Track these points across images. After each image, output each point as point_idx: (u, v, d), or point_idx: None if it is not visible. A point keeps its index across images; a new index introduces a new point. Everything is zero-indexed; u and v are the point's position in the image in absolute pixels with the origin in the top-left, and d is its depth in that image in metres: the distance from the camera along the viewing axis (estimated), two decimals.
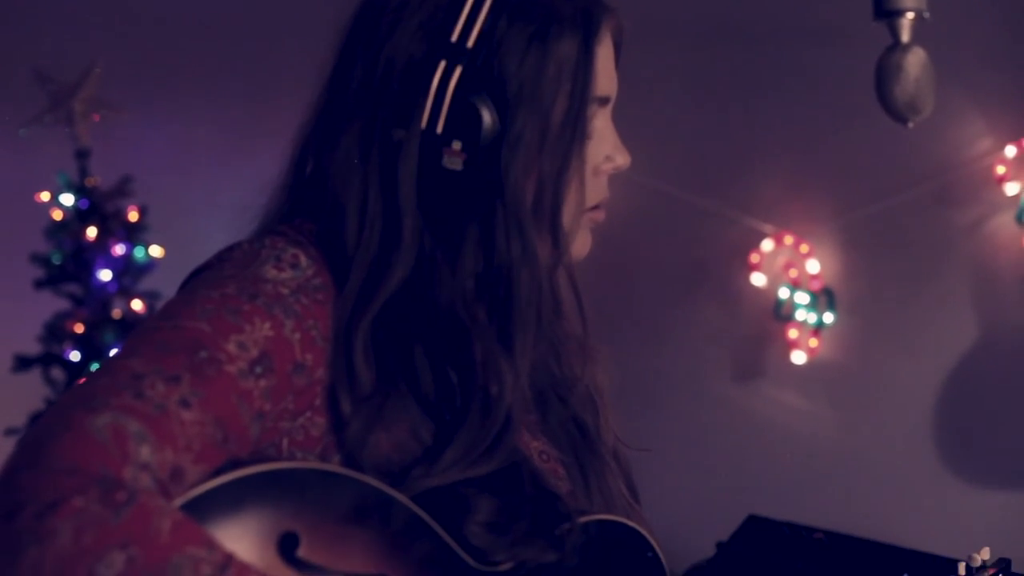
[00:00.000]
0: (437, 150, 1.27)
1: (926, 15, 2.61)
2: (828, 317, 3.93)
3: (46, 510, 0.96)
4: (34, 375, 4.42)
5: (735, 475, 4.08)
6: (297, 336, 1.21)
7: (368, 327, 1.25)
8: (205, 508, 1.08)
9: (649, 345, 4.18)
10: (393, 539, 1.19)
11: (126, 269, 4.48)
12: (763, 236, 4.04)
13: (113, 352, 4.05)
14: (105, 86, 4.55)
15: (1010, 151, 3.62)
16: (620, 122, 1.41)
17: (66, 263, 4.45)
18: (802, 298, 3.96)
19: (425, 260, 1.29)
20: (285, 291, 1.22)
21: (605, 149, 1.39)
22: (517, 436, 1.30)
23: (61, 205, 4.48)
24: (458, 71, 1.26)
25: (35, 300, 4.45)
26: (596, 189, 1.39)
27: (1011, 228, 3.65)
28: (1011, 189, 3.62)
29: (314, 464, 1.21)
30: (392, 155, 1.28)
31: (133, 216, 4.50)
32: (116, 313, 4.44)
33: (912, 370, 3.84)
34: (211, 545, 1.00)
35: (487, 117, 1.26)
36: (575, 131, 1.31)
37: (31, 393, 4.36)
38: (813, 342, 3.96)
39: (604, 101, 1.37)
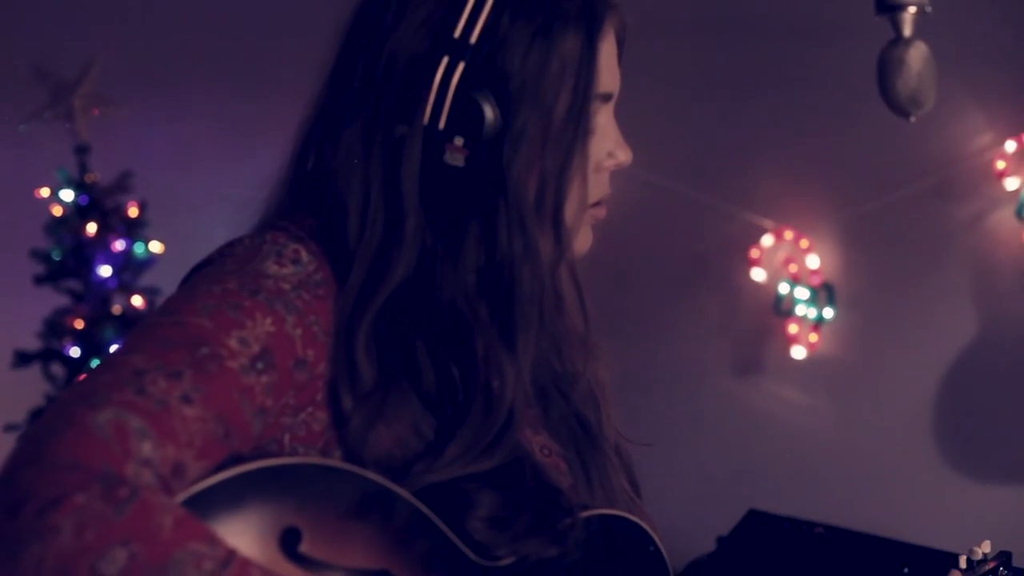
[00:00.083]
0: (439, 146, 1.27)
1: (928, 9, 2.61)
2: (828, 312, 3.94)
3: (48, 506, 0.96)
4: (34, 371, 4.43)
5: (735, 470, 4.08)
6: (299, 332, 1.21)
7: (370, 323, 1.25)
8: (207, 504, 1.07)
9: (649, 340, 4.18)
10: (395, 534, 1.19)
11: (126, 265, 4.48)
12: (763, 231, 4.04)
13: (114, 348, 4.06)
14: (105, 82, 4.55)
15: (1010, 146, 3.62)
16: (620, 118, 1.41)
17: (66, 259, 4.45)
18: (802, 293, 3.96)
19: (427, 256, 1.29)
20: (286, 287, 1.22)
21: (607, 145, 1.38)
22: (519, 431, 1.30)
23: (61, 201, 4.48)
24: (461, 67, 1.26)
25: (35, 296, 4.45)
26: (598, 185, 1.38)
27: (1011, 223, 3.66)
28: (1011, 184, 3.62)
29: (316, 459, 1.21)
30: (394, 151, 1.28)
31: (133, 212, 4.50)
32: (116, 309, 4.44)
33: (912, 365, 3.84)
34: (213, 541, 1.00)
35: (489, 113, 1.26)
36: (578, 127, 1.31)
37: (31, 389, 4.36)
38: (813, 337, 3.97)
39: (607, 97, 1.37)
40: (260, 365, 1.16)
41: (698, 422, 4.21)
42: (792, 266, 3.99)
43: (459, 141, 1.26)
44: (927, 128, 3.32)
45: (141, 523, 0.97)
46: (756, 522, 3.24)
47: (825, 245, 3.98)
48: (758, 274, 4.06)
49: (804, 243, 3.98)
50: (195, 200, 4.58)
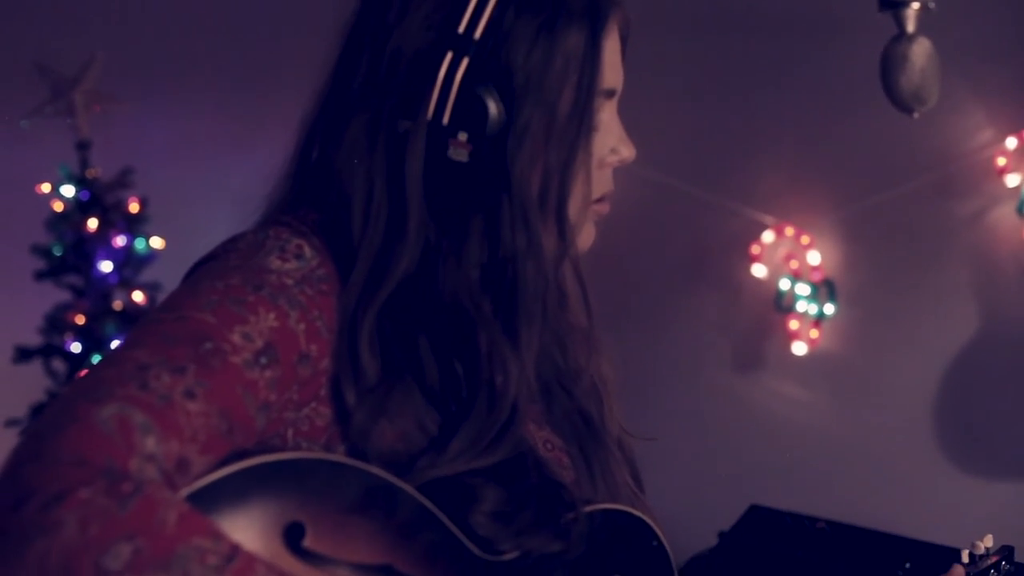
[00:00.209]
0: (443, 141, 1.27)
1: (931, 5, 2.62)
2: (829, 308, 3.94)
3: (52, 501, 0.96)
4: (35, 366, 4.43)
5: (736, 466, 4.09)
6: (302, 327, 1.21)
7: (373, 318, 1.25)
8: (211, 499, 1.07)
9: (650, 336, 4.19)
10: (399, 529, 1.19)
11: (127, 260, 4.49)
12: (764, 227, 4.04)
13: (115, 344, 4.07)
14: (106, 77, 4.55)
15: (1011, 143, 3.63)
16: (622, 114, 1.42)
17: (67, 254, 4.45)
18: (803, 289, 3.96)
19: (430, 251, 1.29)
20: (290, 282, 1.22)
21: (610, 142, 1.38)
22: (522, 427, 1.31)
23: (62, 196, 4.48)
24: (465, 62, 1.26)
25: (36, 291, 4.46)
26: (601, 181, 1.38)
27: (1012, 219, 3.66)
28: (1012, 181, 3.62)
29: (319, 454, 1.21)
30: (398, 146, 1.28)
31: (134, 207, 4.51)
32: (117, 304, 4.45)
33: (913, 361, 3.84)
34: (217, 536, 1.00)
35: (493, 108, 1.26)
36: (582, 123, 1.30)
37: (32, 384, 4.37)
38: (814, 333, 3.97)
39: (610, 94, 1.37)
40: (263, 360, 1.15)
41: (699, 418, 4.21)
42: (793, 262, 4.00)
43: (463, 136, 1.26)
44: (928, 124, 3.33)
45: (145, 518, 0.97)
46: (757, 517, 3.25)
47: (826, 241, 3.98)
48: (759, 270, 4.06)
49: (805, 239, 3.98)
50: (196, 196, 4.59)
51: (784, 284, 3.99)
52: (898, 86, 2.66)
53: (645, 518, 1.39)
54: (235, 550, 1.00)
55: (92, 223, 4.42)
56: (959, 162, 3.72)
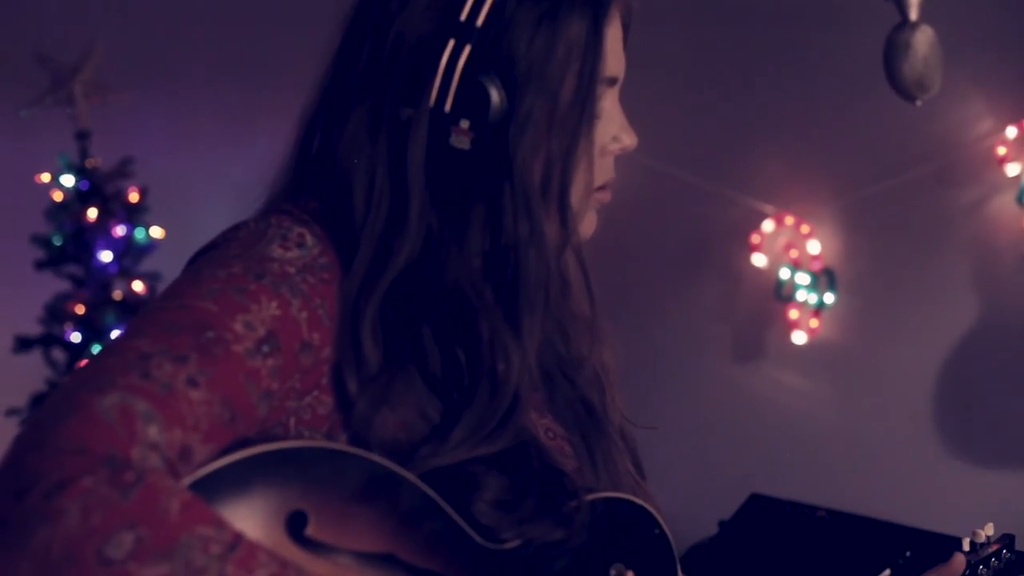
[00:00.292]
0: (445, 129, 1.27)
1: None
2: (829, 297, 3.94)
3: (54, 490, 0.96)
4: (35, 356, 4.43)
5: (737, 455, 4.09)
6: (304, 315, 1.21)
7: (375, 306, 1.25)
8: (213, 488, 1.07)
9: (650, 326, 4.19)
10: (401, 517, 1.19)
11: (127, 250, 4.49)
12: (764, 216, 4.04)
13: (115, 333, 4.07)
14: (106, 67, 4.55)
15: (1011, 132, 3.62)
16: (622, 103, 1.42)
17: (67, 244, 4.45)
18: (803, 278, 3.96)
19: (432, 239, 1.29)
20: (291, 270, 1.22)
21: (612, 130, 1.39)
22: (524, 415, 1.31)
23: (62, 186, 4.48)
24: (467, 50, 1.26)
25: (36, 281, 4.46)
26: (603, 169, 1.38)
27: (1012, 209, 3.65)
28: (1012, 170, 3.62)
29: (321, 443, 1.21)
30: (400, 134, 1.28)
31: (134, 197, 4.51)
32: (117, 294, 4.45)
33: (913, 350, 3.84)
34: (220, 524, 1.00)
35: (495, 96, 1.26)
36: (584, 111, 1.30)
37: (32, 374, 4.37)
38: (814, 322, 3.97)
39: (612, 82, 1.37)
40: (266, 348, 1.15)
41: (699, 408, 4.21)
42: (793, 251, 3.99)
43: (465, 124, 1.26)
44: (928, 114, 3.33)
45: (148, 507, 0.97)
46: (758, 506, 3.26)
47: (826, 231, 3.98)
48: (759, 259, 4.06)
49: (805, 229, 3.98)
50: (196, 185, 4.59)
51: (784, 273, 3.99)
52: (901, 74, 2.66)
53: (647, 506, 1.39)
54: (238, 539, 1.00)
55: (92, 213, 4.42)
56: (959, 151, 3.72)
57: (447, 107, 1.26)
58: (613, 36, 1.35)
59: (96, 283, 4.44)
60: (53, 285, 4.48)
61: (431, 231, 1.29)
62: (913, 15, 2.61)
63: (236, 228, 1.28)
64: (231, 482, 1.09)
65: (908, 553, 1.71)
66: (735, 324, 4.21)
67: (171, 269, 1.31)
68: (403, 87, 1.28)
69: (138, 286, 4.45)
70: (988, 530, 1.66)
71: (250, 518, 1.09)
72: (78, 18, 4.69)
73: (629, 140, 1.40)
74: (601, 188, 1.40)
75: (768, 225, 4.03)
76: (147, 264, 4.53)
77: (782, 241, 4.04)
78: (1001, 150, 3.63)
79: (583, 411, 1.42)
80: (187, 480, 1.06)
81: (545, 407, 1.41)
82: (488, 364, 1.28)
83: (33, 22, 4.76)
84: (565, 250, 1.34)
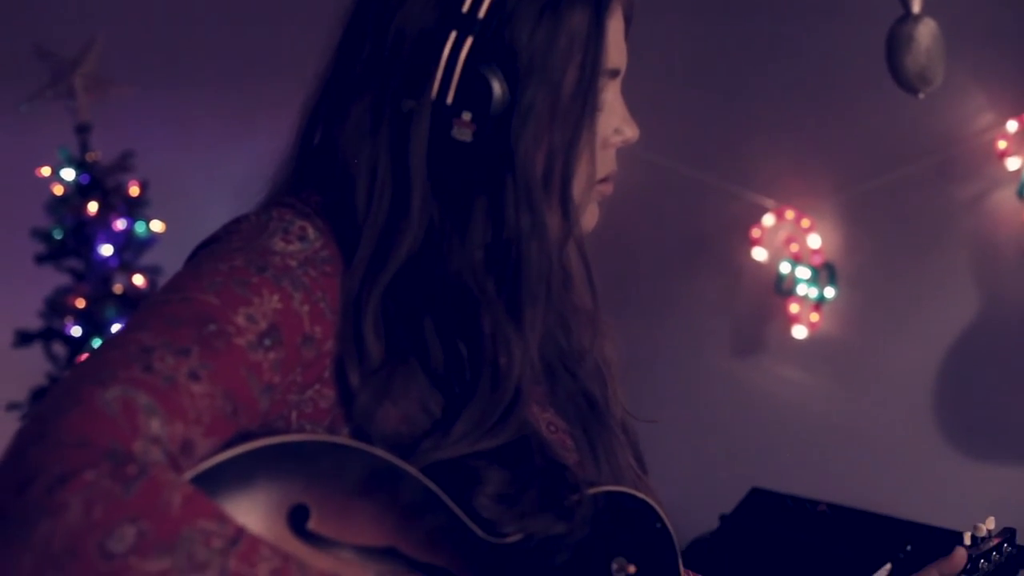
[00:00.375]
0: (447, 121, 1.26)
1: None
2: (829, 291, 3.94)
3: (56, 484, 0.95)
4: (35, 350, 4.44)
5: (737, 449, 4.09)
6: (306, 308, 1.20)
7: (377, 299, 1.25)
8: (215, 481, 1.07)
9: (650, 320, 4.19)
10: (403, 511, 1.19)
11: (127, 244, 4.49)
12: (764, 211, 4.04)
13: (115, 327, 4.07)
14: (106, 61, 4.54)
15: (1012, 126, 3.62)
16: (623, 96, 1.41)
17: (67, 238, 4.46)
18: (803, 273, 3.96)
19: (434, 231, 1.29)
20: (293, 263, 1.22)
21: (614, 122, 1.38)
22: (526, 408, 1.30)
23: (62, 180, 4.48)
24: (469, 42, 1.26)
25: (36, 275, 4.46)
26: (605, 162, 1.38)
27: (1012, 203, 3.65)
28: (1012, 164, 3.62)
29: (323, 437, 1.21)
30: (402, 126, 1.28)
31: (134, 191, 4.51)
32: (117, 288, 4.45)
33: (913, 344, 3.84)
34: (222, 518, 1.00)
35: (497, 88, 1.26)
36: (586, 103, 1.30)
37: (33, 368, 4.37)
38: (814, 316, 3.97)
39: (614, 74, 1.37)
40: (267, 342, 1.15)
41: (699, 402, 4.22)
42: (793, 246, 4.00)
43: (467, 116, 1.26)
44: (929, 108, 3.33)
45: (150, 500, 0.97)
46: (759, 500, 3.26)
47: (826, 225, 3.98)
48: (759, 254, 4.06)
49: (805, 223, 3.98)
50: (196, 179, 4.59)
51: (784, 267, 3.99)
52: (904, 67, 2.66)
53: (649, 500, 1.39)
54: (240, 533, 1.00)
55: (92, 206, 4.42)
56: (960, 145, 3.72)
57: (449, 99, 1.26)
58: (615, 28, 1.34)
59: (97, 277, 4.44)
60: (53, 279, 4.48)
61: (433, 224, 1.28)
62: (916, 8, 2.60)
63: (238, 221, 1.27)
64: (233, 476, 1.09)
65: (909, 547, 1.71)
66: (736, 318, 4.21)
67: (172, 263, 1.30)
68: (405, 79, 1.28)
69: (139, 280, 4.45)
70: (989, 524, 1.66)
71: (252, 512, 1.09)
72: (78, 12, 4.69)
73: (631, 132, 1.40)
74: (603, 180, 1.39)
75: (769, 219, 4.03)
76: (148, 258, 4.53)
77: (783, 235, 4.04)
78: (1002, 144, 3.63)
79: (585, 404, 1.42)
80: (189, 474, 1.06)
81: (547, 400, 1.41)
82: (490, 357, 1.28)
83: (33, 16, 4.76)
84: (567, 243, 1.34)
